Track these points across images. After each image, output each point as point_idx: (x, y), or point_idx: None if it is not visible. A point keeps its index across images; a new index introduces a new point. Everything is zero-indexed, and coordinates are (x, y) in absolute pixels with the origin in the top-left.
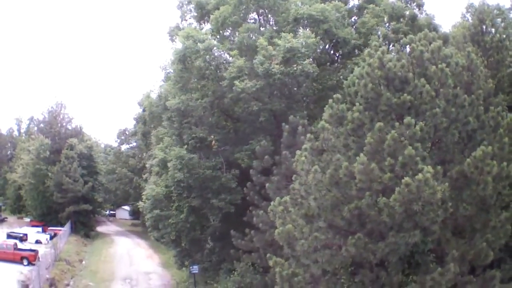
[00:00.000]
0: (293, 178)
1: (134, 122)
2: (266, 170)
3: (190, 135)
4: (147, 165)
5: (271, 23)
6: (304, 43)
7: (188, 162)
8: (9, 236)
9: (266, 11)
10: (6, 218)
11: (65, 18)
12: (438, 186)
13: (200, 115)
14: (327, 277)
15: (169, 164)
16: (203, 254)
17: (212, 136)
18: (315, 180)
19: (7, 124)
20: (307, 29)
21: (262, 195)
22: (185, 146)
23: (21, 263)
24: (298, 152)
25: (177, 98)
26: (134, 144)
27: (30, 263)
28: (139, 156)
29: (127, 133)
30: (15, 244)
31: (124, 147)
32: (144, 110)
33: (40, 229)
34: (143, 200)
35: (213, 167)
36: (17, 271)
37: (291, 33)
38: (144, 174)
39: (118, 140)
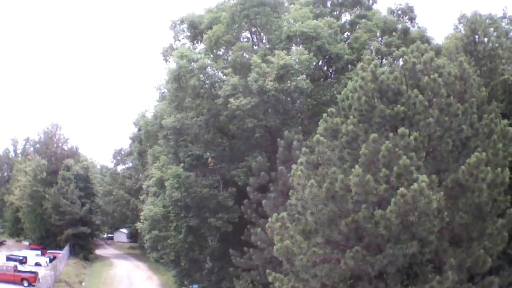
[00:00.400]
0: (289, 194)
1: (130, 141)
2: (262, 187)
3: (186, 152)
4: (143, 186)
5: (264, 41)
6: (297, 60)
7: (185, 181)
8: (9, 258)
9: (259, 29)
10: (5, 241)
11: (60, 39)
12: (433, 195)
13: (195, 133)
14: None
15: (166, 183)
16: (202, 274)
17: (208, 154)
18: (312, 194)
19: (3, 145)
20: (300, 46)
21: (259, 212)
22: (182, 164)
23: (22, 284)
24: (294, 166)
25: (173, 116)
26: (130, 164)
27: (30, 285)
28: (136, 177)
29: (122, 153)
30: (15, 266)
31: (120, 167)
32: (139, 130)
33: (39, 252)
34: (141, 221)
35: (210, 186)
36: None
37: (284, 51)
38: (141, 195)
39: (114, 161)
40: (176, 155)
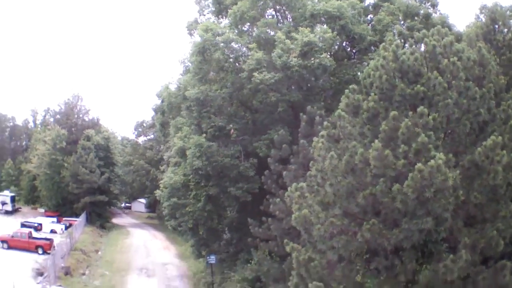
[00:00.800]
0: (310, 165)
1: (152, 114)
2: (283, 159)
3: (209, 124)
4: (164, 157)
5: (288, 19)
6: (321, 38)
7: (206, 150)
8: (23, 225)
9: (284, 7)
10: (20, 208)
11: (84, 10)
12: (449, 173)
13: (219, 105)
14: (343, 264)
15: (187, 152)
16: (220, 244)
17: (231, 125)
18: (331, 166)
19: (22, 115)
20: (324, 25)
21: (279, 184)
22: (204, 135)
23: (36, 251)
24: (315, 139)
25: (196, 88)
26: (152, 136)
27: (45, 252)
28: (157, 148)
29: (144, 125)
30: (30, 232)
31: (141, 139)
32: (162, 101)
33: (55, 219)
34: (161, 188)
35: (231, 156)
36: (32, 260)
37: (308, 28)
38: (161, 166)
39: (135, 132)
40: (198, 126)
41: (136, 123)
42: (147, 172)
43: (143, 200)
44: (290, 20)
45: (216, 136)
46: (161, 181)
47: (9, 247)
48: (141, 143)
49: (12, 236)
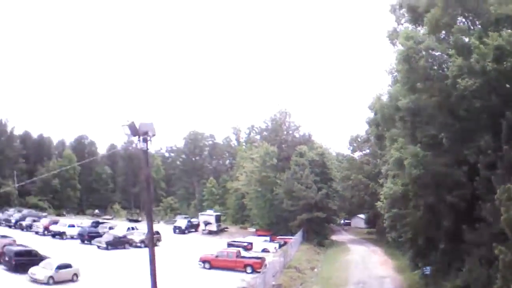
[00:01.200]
0: None
1: (366, 127)
2: (491, 165)
3: (423, 133)
4: (382, 170)
5: (477, 25)
6: (509, 42)
7: (423, 159)
8: (230, 245)
9: (472, 14)
10: (227, 228)
11: (285, 26)
12: None
13: (430, 114)
14: None
15: (405, 162)
16: (436, 254)
17: (442, 134)
18: None
19: (223, 134)
20: (509, 30)
21: (488, 189)
22: (418, 144)
23: (244, 271)
24: None
25: (407, 98)
26: (367, 151)
27: (254, 271)
28: (373, 162)
29: (359, 140)
30: (238, 251)
31: (357, 154)
32: (375, 114)
33: (267, 238)
34: (381, 200)
35: (445, 164)
36: (238, 279)
37: (496, 33)
38: (380, 180)
39: (351, 147)
40: (413, 136)
41: (351, 138)
42: (366, 186)
43: (362, 216)
44: (479, 26)
45: (430, 145)
46: (382, 192)
47: (211, 267)
48: (357, 158)
49: (217, 256)
